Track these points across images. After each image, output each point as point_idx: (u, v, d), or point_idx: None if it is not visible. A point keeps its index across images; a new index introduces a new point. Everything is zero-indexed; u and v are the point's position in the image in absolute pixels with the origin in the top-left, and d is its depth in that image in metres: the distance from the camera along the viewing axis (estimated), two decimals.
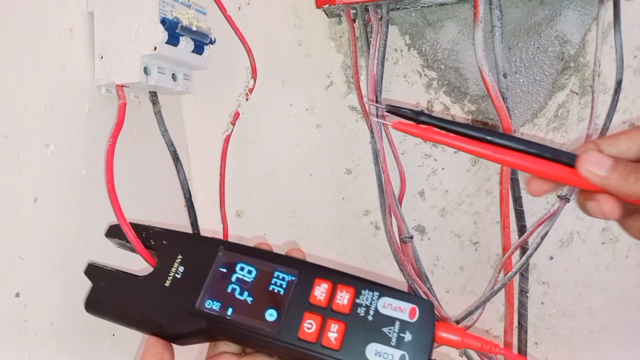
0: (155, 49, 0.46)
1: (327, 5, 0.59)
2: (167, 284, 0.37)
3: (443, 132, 0.34)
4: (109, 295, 0.39)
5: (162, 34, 0.46)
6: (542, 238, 0.59)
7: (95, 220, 0.47)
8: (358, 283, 0.35)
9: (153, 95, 0.54)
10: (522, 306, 0.63)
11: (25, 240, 0.39)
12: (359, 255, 0.70)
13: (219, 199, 0.68)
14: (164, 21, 0.46)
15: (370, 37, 0.60)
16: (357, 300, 0.34)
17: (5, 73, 0.38)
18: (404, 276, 0.62)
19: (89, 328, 0.45)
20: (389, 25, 0.61)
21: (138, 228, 0.41)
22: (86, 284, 0.45)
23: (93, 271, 0.40)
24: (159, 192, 0.61)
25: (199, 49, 0.51)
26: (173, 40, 0.47)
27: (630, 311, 0.66)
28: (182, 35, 0.48)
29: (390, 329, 0.33)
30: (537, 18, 0.61)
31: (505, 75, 0.57)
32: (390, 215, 0.62)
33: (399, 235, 0.63)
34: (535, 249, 0.59)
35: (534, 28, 0.61)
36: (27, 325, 0.38)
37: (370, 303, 0.34)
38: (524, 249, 0.60)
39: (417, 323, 0.33)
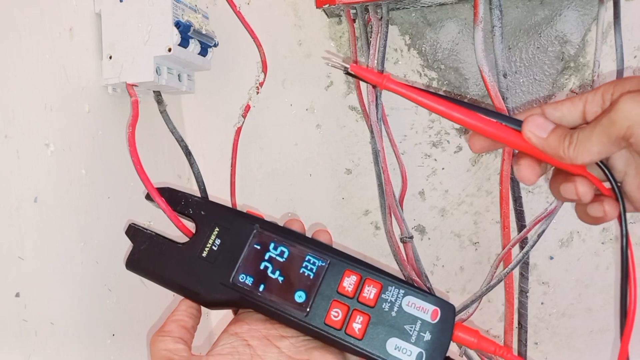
0: (169, 50, 0.48)
1: (327, 5, 0.59)
2: (204, 254, 0.39)
3: (400, 82, 0.35)
4: (149, 257, 0.40)
5: (177, 37, 0.48)
6: (539, 236, 0.59)
7: (95, 220, 0.47)
8: (385, 279, 0.36)
9: (158, 95, 0.55)
10: (522, 306, 0.63)
11: (25, 240, 0.39)
12: (359, 255, 0.70)
13: (229, 189, 0.68)
14: (178, 24, 0.48)
15: (370, 37, 0.60)
16: (383, 296, 0.36)
17: (5, 73, 0.38)
18: (404, 276, 0.62)
19: (89, 328, 0.45)
20: (389, 25, 0.61)
21: (177, 195, 0.42)
22: (86, 285, 0.45)
23: (134, 232, 0.42)
24: None
25: (203, 51, 0.53)
26: (184, 42, 0.50)
27: None
28: (192, 38, 0.51)
29: (411, 327, 0.35)
30: (537, 18, 0.61)
31: (505, 75, 0.57)
32: (390, 215, 0.62)
33: (399, 235, 0.63)
34: (532, 246, 0.59)
35: (534, 28, 0.61)
36: (27, 325, 0.38)
37: (395, 300, 0.36)
38: (522, 248, 0.60)
39: (438, 324, 0.35)
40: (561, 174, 0.34)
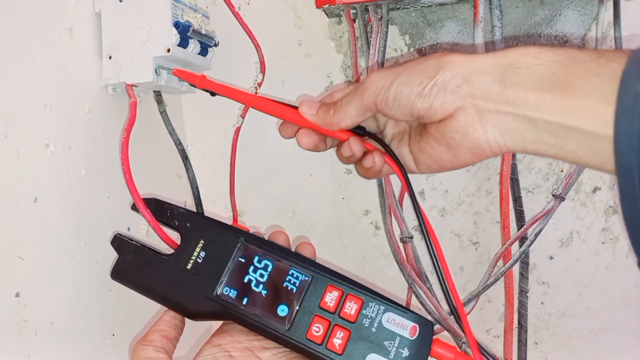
0: (168, 50, 0.48)
1: (327, 5, 0.59)
2: (189, 266, 0.39)
3: (214, 81, 0.43)
4: (134, 268, 0.41)
5: (176, 37, 0.48)
6: (536, 235, 0.59)
7: (95, 220, 0.47)
8: (367, 295, 0.37)
9: (158, 95, 0.55)
10: (522, 306, 0.63)
11: (25, 240, 0.39)
12: (359, 255, 0.70)
13: (229, 188, 0.68)
14: (177, 24, 0.48)
15: (370, 37, 0.60)
16: (364, 311, 0.36)
17: (5, 73, 0.38)
18: (404, 276, 0.62)
19: (89, 328, 0.45)
20: (389, 25, 0.61)
21: (163, 207, 0.42)
22: (86, 285, 0.45)
23: (119, 243, 0.42)
24: (159, 190, 0.61)
25: (203, 51, 0.53)
26: (183, 42, 0.50)
27: (630, 311, 0.66)
28: (192, 38, 0.51)
29: (390, 343, 0.35)
30: (537, 18, 0.61)
31: None
32: (390, 215, 0.62)
33: (399, 235, 0.63)
34: (529, 245, 0.59)
35: (534, 28, 0.61)
36: (27, 325, 0.38)
37: (376, 315, 0.36)
38: (521, 247, 0.60)
39: (416, 341, 0.35)
40: (341, 143, 0.41)
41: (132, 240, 0.41)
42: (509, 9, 0.61)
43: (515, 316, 0.63)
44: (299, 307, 0.37)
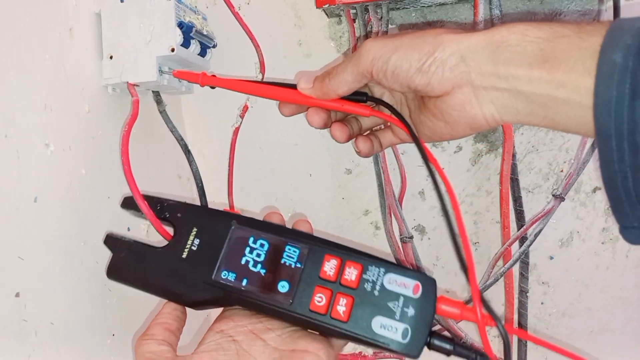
0: (172, 50, 0.48)
1: (327, 5, 0.59)
2: (184, 255, 0.39)
3: (215, 77, 0.44)
4: (129, 264, 0.41)
5: (180, 37, 0.48)
6: (536, 236, 0.59)
7: (95, 220, 0.47)
8: (365, 259, 0.37)
9: (157, 95, 0.55)
10: (522, 306, 0.63)
11: (25, 240, 0.39)
12: None
13: (227, 189, 0.68)
14: (181, 25, 0.49)
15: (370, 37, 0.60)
16: (364, 276, 0.36)
17: (5, 73, 0.38)
18: None
19: (89, 328, 0.45)
20: (389, 25, 0.61)
21: (152, 201, 0.42)
22: (86, 285, 0.45)
23: (112, 241, 0.42)
24: (159, 190, 0.61)
25: (202, 52, 0.54)
26: (186, 43, 0.50)
27: (630, 311, 0.66)
28: (193, 39, 0.51)
29: (395, 304, 0.35)
30: (537, 18, 0.61)
31: None
32: (390, 215, 0.62)
33: (399, 235, 0.63)
34: (529, 245, 0.59)
35: None
36: (27, 325, 0.38)
37: (377, 279, 0.36)
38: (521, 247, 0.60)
39: (420, 299, 0.35)
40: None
41: (124, 238, 0.41)
42: (509, 9, 0.61)
43: (515, 316, 0.63)
44: (299, 280, 0.37)
